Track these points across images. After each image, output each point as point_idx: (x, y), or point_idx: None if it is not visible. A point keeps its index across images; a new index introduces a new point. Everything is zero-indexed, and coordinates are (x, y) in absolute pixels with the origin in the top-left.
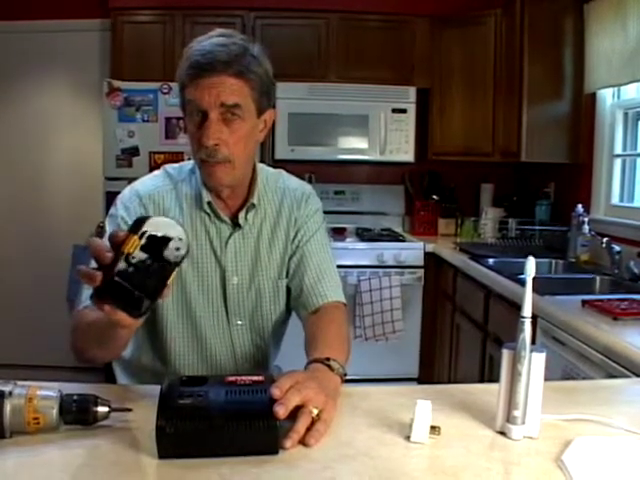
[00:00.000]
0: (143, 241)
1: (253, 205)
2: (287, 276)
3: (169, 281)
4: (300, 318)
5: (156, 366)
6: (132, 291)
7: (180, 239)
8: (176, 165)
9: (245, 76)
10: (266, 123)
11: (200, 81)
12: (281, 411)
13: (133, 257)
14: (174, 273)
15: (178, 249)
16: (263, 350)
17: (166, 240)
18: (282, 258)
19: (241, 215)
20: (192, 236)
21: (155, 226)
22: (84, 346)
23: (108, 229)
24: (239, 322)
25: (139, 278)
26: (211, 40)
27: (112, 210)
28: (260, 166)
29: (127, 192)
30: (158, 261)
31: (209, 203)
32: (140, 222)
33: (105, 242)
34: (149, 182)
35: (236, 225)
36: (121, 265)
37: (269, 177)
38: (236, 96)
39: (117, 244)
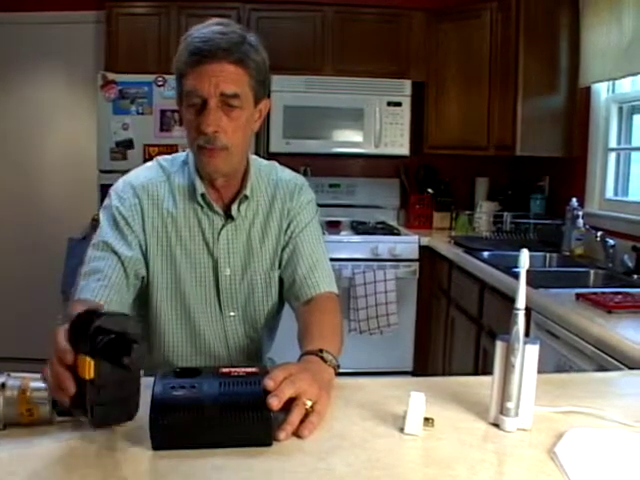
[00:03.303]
0: (96, 360)
1: (246, 197)
2: (280, 267)
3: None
4: (293, 309)
5: (150, 357)
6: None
7: (132, 346)
8: (169, 157)
9: (244, 63)
10: (261, 113)
11: (200, 68)
12: (274, 403)
13: (95, 381)
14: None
15: (133, 357)
16: (256, 341)
17: (120, 350)
18: (275, 249)
19: (234, 207)
20: (185, 227)
21: (106, 330)
22: None
23: (103, 220)
24: (232, 313)
25: (110, 395)
26: (210, 28)
27: (106, 202)
28: (253, 158)
29: (121, 183)
30: (122, 368)
31: (202, 195)
32: (81, 338)
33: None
34: (142, 174)
35: (229, 217)
36: (90, 394)
37: (262, 169)
38: (235, 85)
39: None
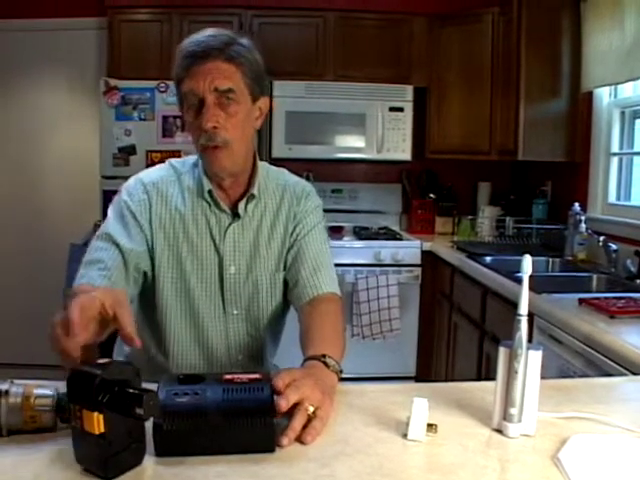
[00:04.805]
0: (105, 414)
1: (253, 196)
2: (285, 269)
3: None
4: (296, 309)
5: (152, 354)
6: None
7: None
8: (180, 159)
9: (236, 61)
10: (261, 111)
11: (195, 69)
12: (283, 404)
13: (107, 435)
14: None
15: (146, 407)
16: (257, 342)
17: (128, 400)
18: (280, 251)
19: (241, 205)
20: (192, 224)
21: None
22: None
23: (110, 214)
24: (235, 312)
25: (121, 444)
26: (202, 34)
27: (116, 197)
28: (261, 162)
29: (132, 180)
30: (134, 418)
31: (209, 191)
32: (84, 392)
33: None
34: (154, 173)
35: (236, 215)
36: (102, 449)
37: (270, 172)
38: (229, 81)
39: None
